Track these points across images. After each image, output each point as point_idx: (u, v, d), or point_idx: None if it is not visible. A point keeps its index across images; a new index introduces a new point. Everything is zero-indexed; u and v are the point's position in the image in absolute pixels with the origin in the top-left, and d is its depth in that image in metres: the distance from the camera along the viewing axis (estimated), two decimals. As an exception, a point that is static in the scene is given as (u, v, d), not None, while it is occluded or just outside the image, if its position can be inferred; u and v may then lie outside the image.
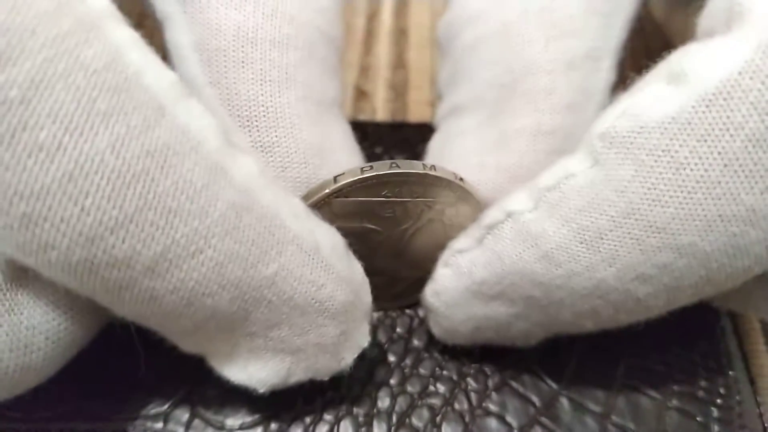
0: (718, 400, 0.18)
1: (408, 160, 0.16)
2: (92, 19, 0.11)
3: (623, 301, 0.14)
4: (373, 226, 0.17)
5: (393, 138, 0.23)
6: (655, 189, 0.13)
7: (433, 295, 0.17)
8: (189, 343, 0.15)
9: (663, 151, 0.12)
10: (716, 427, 0.17)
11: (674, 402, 0.18)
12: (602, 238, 0.13)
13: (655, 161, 0.13)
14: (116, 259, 0.12)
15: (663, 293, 0.14)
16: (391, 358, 0.18)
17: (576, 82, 0.17)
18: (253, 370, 0.15)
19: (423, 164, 0.16)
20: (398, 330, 0.19)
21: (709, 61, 0.12)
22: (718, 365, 0.18)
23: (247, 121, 0.16)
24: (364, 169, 0.16)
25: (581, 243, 0.14)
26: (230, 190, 0.13)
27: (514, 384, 0.18)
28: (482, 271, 0.15)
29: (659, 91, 0.13)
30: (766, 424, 0.18)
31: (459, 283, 0.16)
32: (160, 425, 0.17)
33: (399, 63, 0.27)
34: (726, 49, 0.12)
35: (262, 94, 0.16)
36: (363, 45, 0.28)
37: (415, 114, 0.26)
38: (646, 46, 0.24)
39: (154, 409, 0.17)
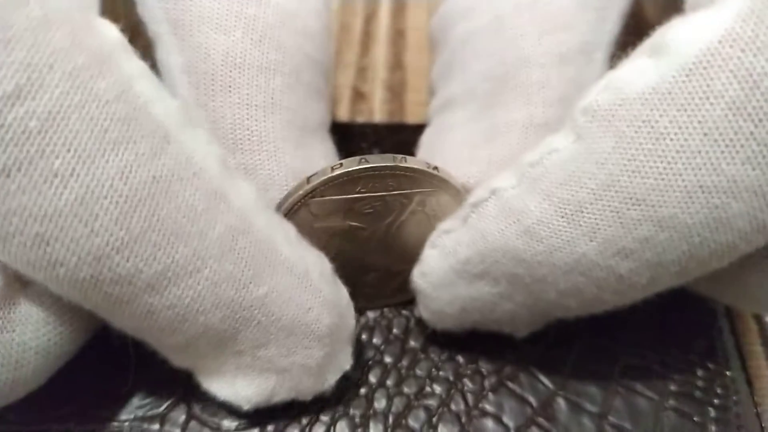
0: (716, 401, 0.18)
1: (379, 155, 0.16)
2: (105, 53, 0.12)
3: (605, 278, 0.14)
4: (356, 223, 0.17)
5: (391, 140, 0.23)
6: (634, 160, 0.12)
7: (420, 276, 0.17)
8: (180, 358, 0.15)
9: (643, 121, 0.12)
10: (713, 428, 0.17)
11: (671, 402, 0.18)
12: (582, 212, 0.13)
13: (636, 132, 0.12)
14: (120, 276, 0.12)
15: (645, 269, 0.13)
16: (388, 359, 0.18)
17: (568, 76, 0.17)
18: (239, 387, 0.16)
19: (393, 156, 0.16)
20: (395, 331, 0.19)
21: (689, 32, 0.12)
22: (716, 365, 0.18)
23: (233, 143, 0.16)
24: (334, 167, 0.16)
25: (562, 217, 0.13)
26: (229, 214, 0.13)
27: (510, 384, 0.18)
28: (466, 249, 0.15)
29: (641, 64, 0.13)
30: (763, 424, 0.18)
31: (444, 263, 0.16)
32: (156, 427, 0.17)
33: (396, 64, 0.27)
34: (707, 19, 0.12)
35: (247, 118, 0.16)
36: (360, 46, 0.28)
37: (413, 115, 0.26)
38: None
39: (150, 411, 0.17)
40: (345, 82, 0.27)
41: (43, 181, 0.11)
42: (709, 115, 0.12)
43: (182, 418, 0.17)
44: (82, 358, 0.16)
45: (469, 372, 0.18)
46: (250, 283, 0.14)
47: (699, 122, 0.12)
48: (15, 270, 0.13)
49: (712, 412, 0.18)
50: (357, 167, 0.16)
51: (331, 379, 0.16)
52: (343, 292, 0.16)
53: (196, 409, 0.17)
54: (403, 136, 0.23)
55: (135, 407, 0.17)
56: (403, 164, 0.16)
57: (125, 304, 0.13)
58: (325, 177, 0.16)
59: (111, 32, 0.13)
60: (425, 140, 0.20)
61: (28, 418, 0.17)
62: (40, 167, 0.11)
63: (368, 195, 0.16)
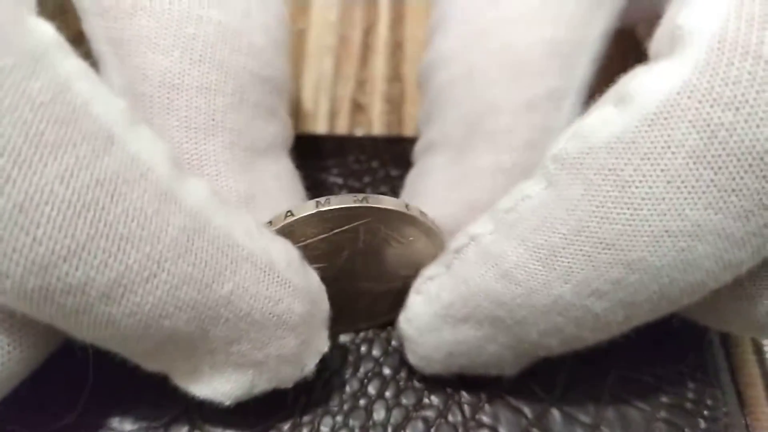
0: (705, 412, 0.18)
1: (335, 196, 0.16)
2: (39, 52, 0.12)
3: (582, 317, 0.14)
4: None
5: (390, 152, 0.24)
6: (602, 207, 0.13)
7: (405, 322, 0.17)
8: (151, 363, 0.15)
9: (609, 170, 0.13)
10: (704, 439, 0.18)
11: (662, 413, 0.18)
12: (556, 256, 0.14)
13: (603, 180, 0.13)
14: (71, 285, 0.12)
15: (620, 309, 0.14)
16: (386, 371, 0.19)
17: (535, 121, 0.17)
18: (216, 385, 0.15)
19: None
20: (393, 343, 0.19)
21: (650, 82, 0.13)
22: (706, 377, 0.19)
23: None
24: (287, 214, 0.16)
25: (537, 261, 0.14)
26: (180, 215, 0.13)
27: (506, 396, 0.18)
28: (449, 294, 0.16)
29: (606, 113, 0.13)
30: (752, 435, 0.18)
31: (429, 308, 0.16)
32: (160, 437, 0.17)
33: (395, 76, 0.28)
34: (666, 70, 0.12)
35: (186, 141, 0.16)
36: (359, 58, 0.28)
37: (411, 127, 0.26)
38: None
39: (154, 421, 0.18)
40: (344, 94, 0.27)
41: None
42: (671, 163, 0.12)
43: (185, 429, 0.18)
44: (85, 367, 0.16)
45: (466, 384, 0.18)
46: (213, 282, 0.13)
47: (662, 170, 0.12)
48: None
49: (702, 423, 0.18)
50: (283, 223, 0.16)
51: (310, 364, 0.16)
52: (314, 277, 0.16)
53: (199, 420, 0.18)
54: (402, 149, 0.24)
55: (138, 417, 0.18)
56: (367, 204, 0.16)
57: (81, 314, 0.12)
58: (276, 227, 0.16)
59: (45, 30, 0.12)
60: (408, 181, 0.20)
61: (29, 427, 0.17)
62: None
63: (312, 240, 0.16)
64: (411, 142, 0.23)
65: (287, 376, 0.16)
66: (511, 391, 0.18)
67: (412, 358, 0.18)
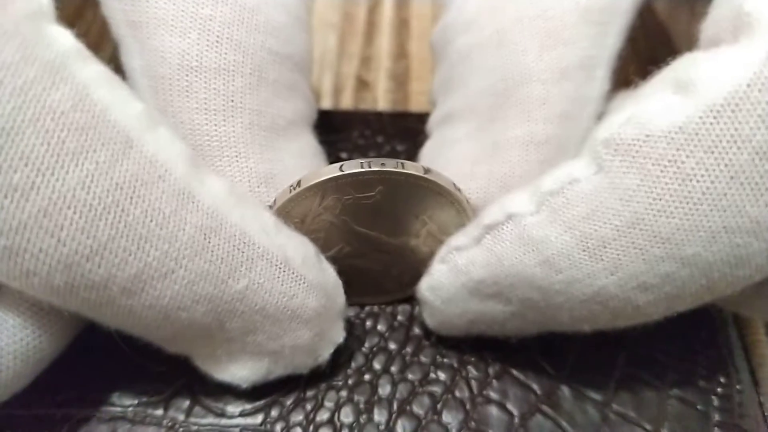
0: (719, 389, 0.18)
1: (373, 159, 0.16)
2: (58, 62, 0.12)
3: (622, 307, 0.14)
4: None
5: (395, 127, 0.23)
6: (660, 199, 0.13)
7: (428, 290, 0.17)
8: (172, 347, 0.15)
9: (669, 161, 0.12)
10: (716, 416, 0.17)
11: (675, 391, 0.18)
12: (605, 247, 0.13)
13: (661, 171, 0.13)
14: (94, 282, 0.13)
15: (663, 301, 0.14)
16: (392, 346, 0.18)
17: (569, 92, 0.17)
18: (234, 370, 0.16)
19: (395, 161, 0.16)
20: (399, 318, 0.19)
21: (717, 71, 0.12)
22: (719, 354, 0.18)
23: (192, 149, 0.16)
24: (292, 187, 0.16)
25: (584, 251, 0.14)
26: (198, 214, 0.13)
27: (514, 372, 0.18)
28: (480, 270, 0.15)
29: (666, 100, 0.13)
30: (766, 413, 0.18)
31: (456, 280, 0.16)
32: (160, 412, 0.17)
33: (400, 53, 0.27)
34: (734, 59, 0.12)
35: (206, 123, 0.16)
36: (364, 36, 0.28)
37: (417, 104, 0.26)
38: (651, 49, 0.24)
39: (154, 396, 0.17)
40: (349, 71, 0.27)
41: (3, 196, 0.12)
42: (736, 158, 0.12)
43: (186, 403, 0.17)
44: (86, 342, 0.16)
45: (473, 359, 0.18)
46: (228, 278, 0.14)
47: (725, 165, 0.12)
48: None
49: (716, 401, 0.18)
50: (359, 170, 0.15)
51: (324, 354, 0.16)
52: (330, 272, 0.16)
53: (200, 394, 0.17)
54: (407, 124, 0.23)
55: (139, 392, 0.17)
56: (400, 169, 0.15)
57: (105, 306, 0.13)
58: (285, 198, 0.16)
59: (65, 40, 0.13)
60: (426, 153, 0.20)
61: (30, 402, 0.17)
62: None
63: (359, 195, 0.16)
64: (417, 117, 0.23)
65: (302, 364, 0.16)
66: (520, 366, 0.18)
67: (431, 322, 0.18)
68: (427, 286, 0.17)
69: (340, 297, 0.16)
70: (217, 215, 0.14)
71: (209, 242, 0.13)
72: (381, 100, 0.26)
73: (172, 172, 0.13)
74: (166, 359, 0.16)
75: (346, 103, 0.26)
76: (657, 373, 0.18)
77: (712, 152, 0.12)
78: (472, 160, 0.18)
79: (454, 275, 0.16)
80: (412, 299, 0.19)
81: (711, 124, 0.12)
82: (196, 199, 0.13)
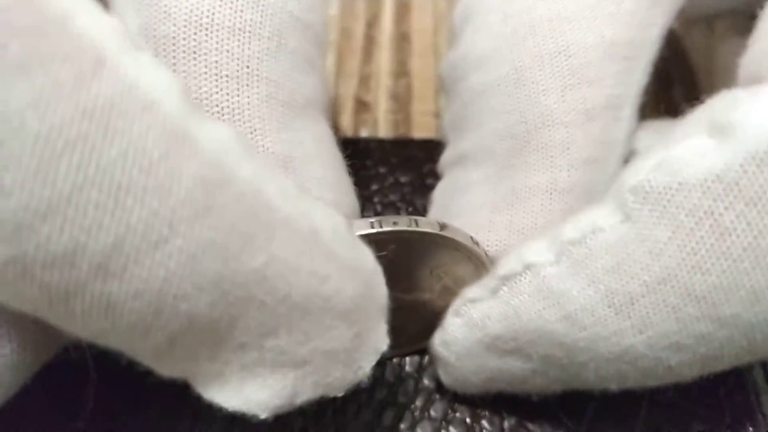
0: (747, 440, 0.17)
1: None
2: None
3: (653, 367, 0.13)
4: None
5: (397, 156, 0.22)
6: (695, 254, 0.12)
7: (442, 345, 0.16)
8: (167, 365, 0.12)
9: (705, 212, 0.11)
10: (745, 468, 0.16)
11: (700, 442, 0.17)
12: (633, 304, 0.12)
13: (696, 223, 0.11)
14: (54, 255, 0.09)
15: (698, 362, 0.13)
16: (401, 399, 0.17)
17: (595, 135, 0.16)
18: (249, 392, 0.12)
19: (408, 219, 0.15)
20: (407, 369, 0.18)
21: (760, 114, 0.11)
22: (745, 401, 0.18)
23: None
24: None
25: (609, 307, 0.12)
26: (196, 162, 0.10)
27: (530, 426, 0.17)
28: (497, 325, 0.14)
29: (701, 145, 0.12)
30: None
31: (471, 335, 0.15)
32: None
33: (401, 71, 0.26)
34: None
35: (217, 91, 0.13)
36: (362, 53, 0.26)
37: (420, 126, 0.24)
38: (665, 65, 0.23)
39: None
40: (347, 92, 0.25)
41: None
42: None
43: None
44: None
45: (487, 413, 0.17)
46: (241, 252, 0.10)
47: None
48: None
49: (744, 453, 0.17)
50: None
51: (365, 366, 0.13)
52: (367, 253, 0.13)
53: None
54: (410, 152, 0.22)
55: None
56: (414, 227, 0.14)
57: (72, 297, 0.10)
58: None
59: None
60: (438, 195, 0.19)
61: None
62: None
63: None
64: (421, 144, 0.22)
65: (338, 381, 0.13)
66: (537, 420, 0.17)
67: (446, 379, 0.17)
68: (440, 341, 0.16)
69: (381, 287, 0.13)
70: (224, 166, 0.10)
71: (215, 201, 0.10)
72: (382, 122, 0.25)
73: (162, 104, 0.10)
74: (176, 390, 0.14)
75: (346, 125, 0.25)
76: (680, 423, 0.17)
77: (755, 204, 0.11)
78: (490, 208, 0.17)
79: (469, 329, 0.15)
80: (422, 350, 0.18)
81: (753, 172, 0.11)
82: (194, 142, 0.10)
